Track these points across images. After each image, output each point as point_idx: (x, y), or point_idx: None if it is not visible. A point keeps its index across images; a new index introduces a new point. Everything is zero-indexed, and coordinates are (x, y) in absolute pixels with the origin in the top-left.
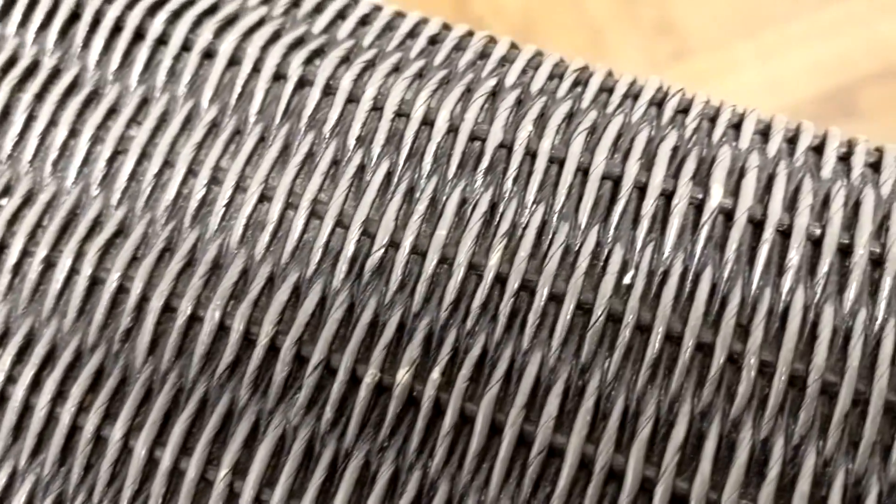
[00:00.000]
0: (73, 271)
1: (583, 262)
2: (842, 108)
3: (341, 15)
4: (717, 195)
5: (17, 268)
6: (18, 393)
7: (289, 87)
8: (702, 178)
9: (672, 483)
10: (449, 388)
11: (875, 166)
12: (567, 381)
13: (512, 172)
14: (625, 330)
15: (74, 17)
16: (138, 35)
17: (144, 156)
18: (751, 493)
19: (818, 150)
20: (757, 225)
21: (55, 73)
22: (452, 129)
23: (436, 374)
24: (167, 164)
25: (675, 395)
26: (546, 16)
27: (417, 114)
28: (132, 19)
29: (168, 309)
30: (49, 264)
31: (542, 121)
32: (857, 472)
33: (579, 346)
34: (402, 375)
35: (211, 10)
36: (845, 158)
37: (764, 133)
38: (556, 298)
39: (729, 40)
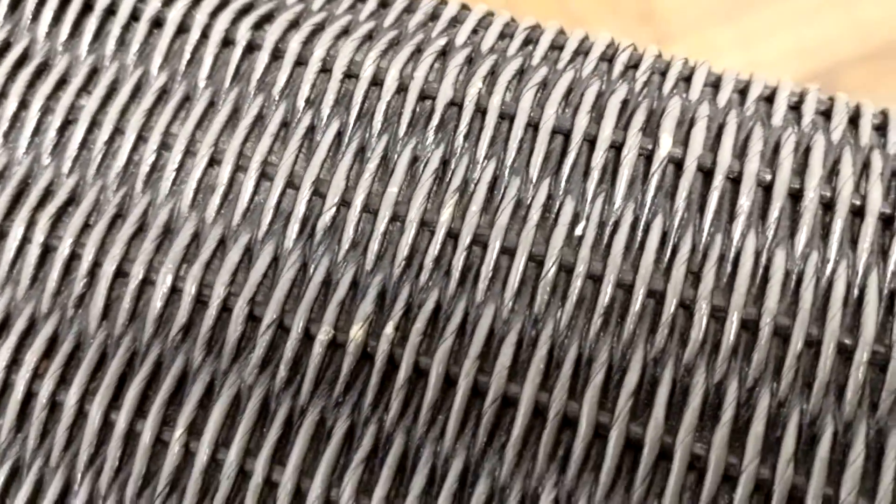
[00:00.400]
0: (25, 240)
1: (534, 215)
2: (825, 91)
3: None
4: (666, 145)
5: None
6: None
7: (237, 51)
8: (651, 129)
9: (626, 428)
10: (403, 342)
11: (826, 114)
12: (520, 331)
13: (463, 129)
14: (576, 280)
15: None
16: (87, 6)
17: (95, 124)
18: (706, 437)
19: (769, 99)
20: (707, 173)
21: (5, 46)
22: (402, 89)
23: (389, 329)
24: (117, 131)
25: (628, 342)
26: (527, 5)
27: (366, 74)
28: None
29: (120, 274)
30: (1, 234)
31: (492, 78)
32: (812, 412)
33: (532, 298)
34: (356, 331)
35: None
36: (796, 107)
37: (715, 85)
38: (508, 252)
39: (710, 26)
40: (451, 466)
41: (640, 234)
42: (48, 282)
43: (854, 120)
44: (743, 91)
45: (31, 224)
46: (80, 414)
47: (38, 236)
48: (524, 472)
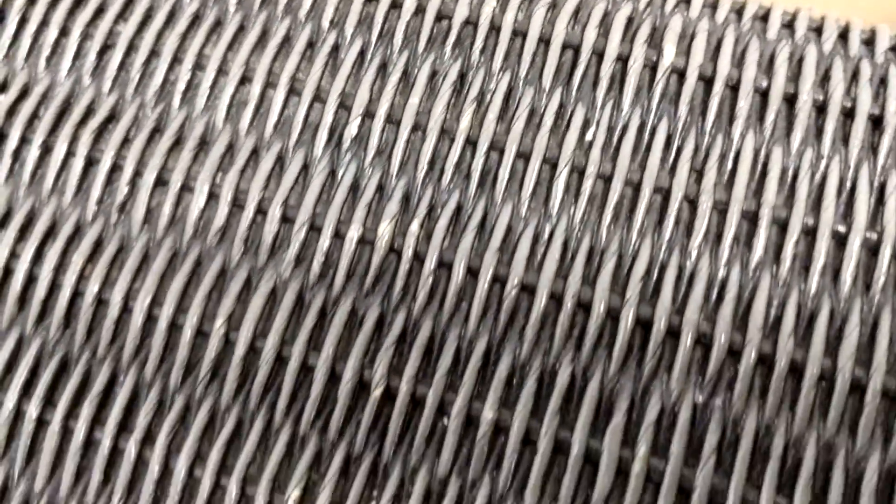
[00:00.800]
0: (70, 154)
1: (547, 122)
2: None
3: None
4: (669, 55)
5: (17, 154)
6: (22, 266)
7: None
8: (655, 42)
9: (637, 309)
10: (428, 239)
11: (817, 30)
12: (536, 226)
13: (478, 45)
14: (588, 180)
15: None
16: None
17: (132, 48)
18: (711, 316)
19: (764, 18)
20: (708, 81)
21: None
22: (420, 10)
23: (415, 227)
24: (154, 53)
25: (637, 234)
26: None
27: None
28: None
29: (160, 183)
30: (47, 149)
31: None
32: (810, 292)
33: (547, 197)
34: (384, 229)
35: None
36: (789, 25)
37: (713, 6)
38: (523, 156)
39: None
40: (475, 347)
41: (646, 136)
42: (92, 191)
43: (844, 35)
44: (739, 11)
45: (74, 139)
46: (125, 310)
47: (82, 150)
48: (542, 350)
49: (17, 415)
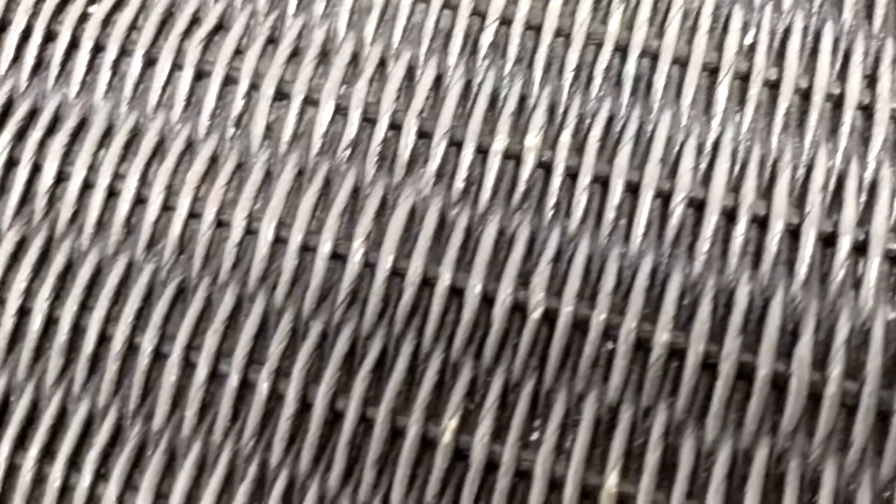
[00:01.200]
0: (176, 66)
1: (704, 24)
2: None
3: None
4: None
5: (116, 66)
6: (130, 187)
7: None
8: None
9: (819, 223)
10: (579, 151)
11: None
12: (699, 135)
13: None
14: (753, 86)
15: None
16: None
17: None
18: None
19: None
20: None
21: None
22: None
23: (565, 138)
24: None
25: (811, 143)
26: None
27: None
28: None
29: (279, 96)
30: (150, 61)
31: None
32: None
33: (708, 104)
34: (531, 140)
35: None
36: None
37: None
38: (679, 61)
39: None
40: (640, 267)
41: (810, 41)
42: (204, 104)
43: None
44: None
45: (180, 51)
46: (248, 233)
47: (190, 61)
48: (716, 269)
49: (130, 348)
